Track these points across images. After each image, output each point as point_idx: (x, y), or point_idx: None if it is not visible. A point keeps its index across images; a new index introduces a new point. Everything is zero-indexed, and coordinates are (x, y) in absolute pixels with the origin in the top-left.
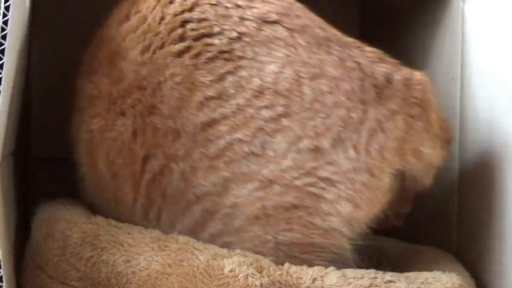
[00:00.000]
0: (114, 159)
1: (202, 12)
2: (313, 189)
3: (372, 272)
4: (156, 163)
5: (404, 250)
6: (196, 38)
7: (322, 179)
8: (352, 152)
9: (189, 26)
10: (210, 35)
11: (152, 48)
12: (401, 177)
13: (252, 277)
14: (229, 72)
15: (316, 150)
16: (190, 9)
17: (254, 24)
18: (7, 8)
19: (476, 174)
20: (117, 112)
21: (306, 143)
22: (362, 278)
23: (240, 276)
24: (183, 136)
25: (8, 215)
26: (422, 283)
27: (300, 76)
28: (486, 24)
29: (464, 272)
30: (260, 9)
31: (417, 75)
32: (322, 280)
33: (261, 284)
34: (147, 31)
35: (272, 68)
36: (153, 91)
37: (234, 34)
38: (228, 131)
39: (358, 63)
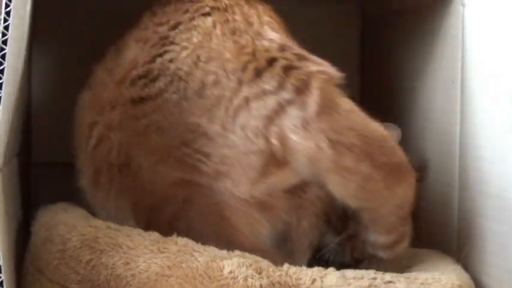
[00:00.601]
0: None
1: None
2: (190, 160)
3: (371, 273)
4: (99, 130)
5: (403, 252)
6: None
7: (198, 151)
8: (218, 128)
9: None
10: (160, 24)
11: None
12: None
13: (252, 278)
14: (159, 55)
15: (198, 127)
16: None
17: (190, 15)
18: (8, 14)
19: (477, 179)
20: None
21: (192, 121)
22: (362, 278)
23: (239, 278)
24: (117, 108)
25: (9, 219)
26: (421, 283)
27: (198, 59)
28: (486, 28)
29: (463, 274)
30: (201, 3)
31: (313, 67)
32: (321, 281)
33: (261, 285)
34: None
35: (184, 53)
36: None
37: (173, 23)
38: (150, 112)
39: (254, 49)
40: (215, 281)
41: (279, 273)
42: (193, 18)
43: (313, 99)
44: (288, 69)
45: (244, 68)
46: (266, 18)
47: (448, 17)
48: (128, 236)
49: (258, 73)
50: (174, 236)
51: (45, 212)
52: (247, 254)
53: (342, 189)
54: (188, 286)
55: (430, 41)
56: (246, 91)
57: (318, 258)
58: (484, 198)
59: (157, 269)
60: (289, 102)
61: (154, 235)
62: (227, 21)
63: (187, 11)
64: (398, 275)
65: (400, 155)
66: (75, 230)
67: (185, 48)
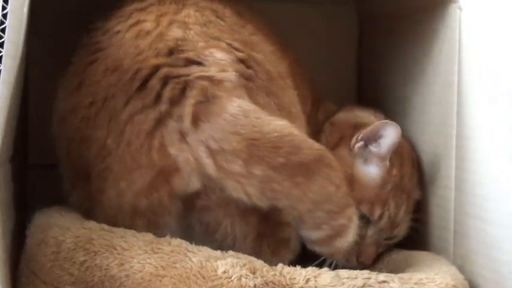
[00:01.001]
0: None
1: None
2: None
3: (365, 273)
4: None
5: (398, 253)
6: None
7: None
8: (112, 143)
9: None
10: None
11: None
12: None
13: (246, 278)
14: (90, 63)
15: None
16: None
17: (116, 20)
18: (5, 16)
19: (473, 182)
20: None
21: (99, 134)
22: (356, 278)
23: (233, 277)
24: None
25: (4, 222)
26: (416, 283)
27: (107, 70)
28: (483, 31)
29: (458, 274)
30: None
31: (196, 73)
32: (315, 280)
33: (255, 285)
34: None
35: (99, 63)
36: None
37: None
38: (79, 123)
39: (147, 55)
40: (209, 281)
41: (272, 272)
42: (118, 23)
43: (187, 110)
44: (166, 78)
45: (132, 79)
46: (184, 14)
47: (445, 20)
48: (122, 237)
49: (142, 84)
50: (168, 237)
51: (40, 214)
52: (240, 254)
53: (243, 194)
54: (182, 286)
55: (427, 44)
56: (130, 105)
57: (320, 264)
58: (480, 201)
59: (151, 270)
60: (167, 114)
61: (148, 236)
62: (138, 22)
63: (118, 15)
64: (393, 275)
65: (306, 152)
66: (69, 232)
67: (102, 57)
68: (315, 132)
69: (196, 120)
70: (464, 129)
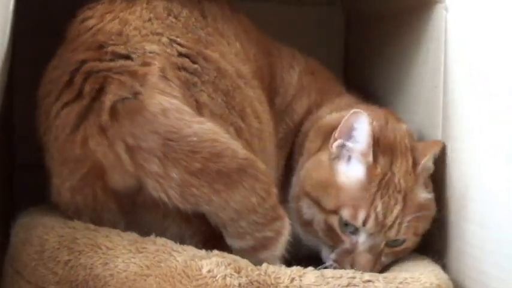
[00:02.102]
0: None
1: None
2: None
3: (350, 272)
4: None
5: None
6: None
7: None
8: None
9: None
10: None
11: None
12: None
13: (230, 277)
14: None
15: None
16: None
17: None
18: None
19: (459, 183)
20: None
21: None
22: (340, 277)
23: (218, 277)
24: None
25: None
26: (400, 283)
27: None
28: (469, 33)
29: (442, 274)
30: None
31: (116, 68)
32: (300, 280)
33: (239, 284)
34: None
35: None
36: None
37: None
38: None
39: (87, 49)
40: (194, 280)
41: (257, 272)
42: (73, 22)
43: (107, 105)
44: (89, 73)
45: (62, 74)
46: (130, 11)
47: (431, 21)
48: (107, 236)
49: (69, 79)
50: (153, 236)
51: (24, 214)
52: (225, 254)
53: (163, 195)
54: (167, 285)
55: (414, 45)
56: (59, 100)
57: None
58: (466, 202)
59: (136, 269)
60: (88, 109)
61: (133, 235)
62: (84, 19)
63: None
64: (377, 274)
65: (226, 160)
66: (53, 231)
67: (56, 54)
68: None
69: (115, 116)
70: (451, 130)
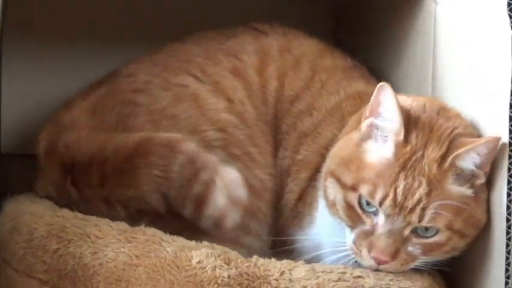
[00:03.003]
0: None
1: None
2: None
3: (340, 267)
4: None
5: None
6: None
7: None
8: None
9: None
10: None
11: None
12: None
13: (220, 269)
14: None
15: None
16: None
17: None
18: None
19: None
20: None
21: None
22: (331, 272)
23: (207, 268)
24: None
25: None
26: (391, 280)
27: None
28: (458, 26)
29: (434, 273)
30: None
31: None
32: (290, 273)
33: (229, 276)
34: None
35: None
36: None
37: None
38: None
39: None
40: (183, 270)
41: (247, 264)
42: None
43: None
44: None
45: None
46: None
47: (420, 14)
48: (96, 225)
49: None
50: (142, 226)
51: (11, 202)
52: (215, 245)
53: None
54: (156, 275)
55: (403, 38)
56: None
57: None
58: None
59: (125, 258)
60: None
61: (122, 225)
62: None
63: None
64: (368, 271)
65: (115, 157)
66: (42, 220)
67: None
68: None
69: None
70: None
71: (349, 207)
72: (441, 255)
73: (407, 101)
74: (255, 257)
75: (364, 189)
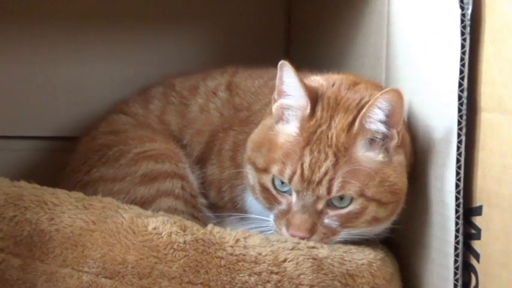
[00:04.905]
0: None
1: None
2: None
3: (295, 239)
4: None
5: None
6: None
7: None
8: None
9: None
10: None
11: None
12: None
13: (176, 235)
14: None
15: None
16: None
17: None
18: None
19: None
20: None
21: None
22: (285, 241)
23: (163, 234)
24: None
25: None
26: (344, 252)
27: None
28: (411, 5)
29: (388, 251)
30: None
31: None
32: (245, 240)
33: (185, 241)
34: None
35: None
36: None
37: None
38: None
39: None
40: (139, 235)
41: (203, 231)
42: None
43: None
44: None
45: None
46: None
47: None
48: (53, 194)
49: None
50: (99, 195)
51: None
52: (171, 215)
53: None
54: (112, 240)
55: (357, 18)
56: None
57: None
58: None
59: (82, 224)
60: None
61: (79, 194)
62: None
63: None
64: (323, 244)
65: None
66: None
67: None
68: None
69: None
70: None
71: (264, 189)
72: (364, 226)
73: (317, 79)
74: (210, 225)
75: (274, 169)
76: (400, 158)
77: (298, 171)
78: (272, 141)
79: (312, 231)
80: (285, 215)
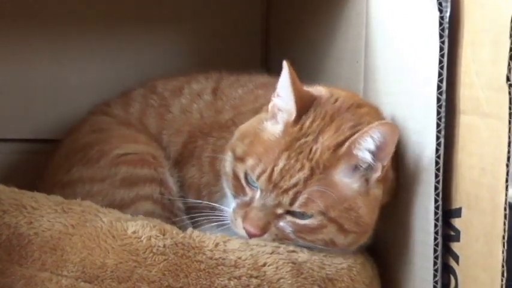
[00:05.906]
0: None
1: None
2: None
3: (275, 244)
4: None
5: None
6: None
7: None
8: None
9: None
10: None
11: None
12: None
13: (156, 238)
14: None
15: None
16: None
17: None
18: None
19: None
20: None
21: None
22: (265, 246)
23: (143, 238)
24: None
25: None
26: (324, 256)
27: None
28: (390, 7)
29: (368, 256)
30: None
31: None
32: (225, 245)
33: (164, 245)
34: None
35: None
36: None
37: None
38: None
39: None
40: (119, 239)
41: (182, 235)
42: None
43: None
44: None
45: None
46: None
47: None
48: (32, 197)
49: None
50: (79, 199)
51: None
52: (151, 218)
53: None
54: (91, 244)
55: (335, 19)
56: None
57: None
58: None
59: (61, 228)
60: None
61: (58, 197)
62: None
63: None
64: (302, 247)
65: None
66: None
67: None
68: None
69: None
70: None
71: (235, 177)
72: (320, 244)
73: (320, 89)
74: (190, 229)
75: (248, 162)
76: (377, 192)
77: (268, 172)
78: (256, 136)
79: (264, 229)
80: (244, 207)
